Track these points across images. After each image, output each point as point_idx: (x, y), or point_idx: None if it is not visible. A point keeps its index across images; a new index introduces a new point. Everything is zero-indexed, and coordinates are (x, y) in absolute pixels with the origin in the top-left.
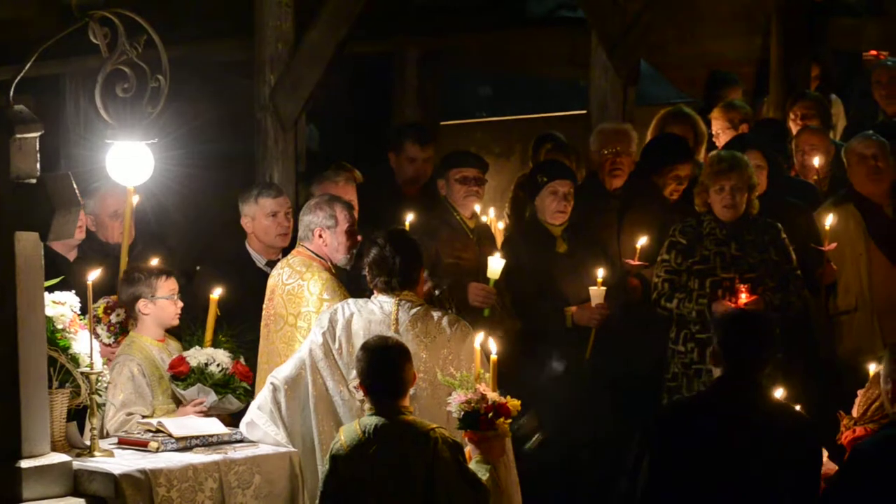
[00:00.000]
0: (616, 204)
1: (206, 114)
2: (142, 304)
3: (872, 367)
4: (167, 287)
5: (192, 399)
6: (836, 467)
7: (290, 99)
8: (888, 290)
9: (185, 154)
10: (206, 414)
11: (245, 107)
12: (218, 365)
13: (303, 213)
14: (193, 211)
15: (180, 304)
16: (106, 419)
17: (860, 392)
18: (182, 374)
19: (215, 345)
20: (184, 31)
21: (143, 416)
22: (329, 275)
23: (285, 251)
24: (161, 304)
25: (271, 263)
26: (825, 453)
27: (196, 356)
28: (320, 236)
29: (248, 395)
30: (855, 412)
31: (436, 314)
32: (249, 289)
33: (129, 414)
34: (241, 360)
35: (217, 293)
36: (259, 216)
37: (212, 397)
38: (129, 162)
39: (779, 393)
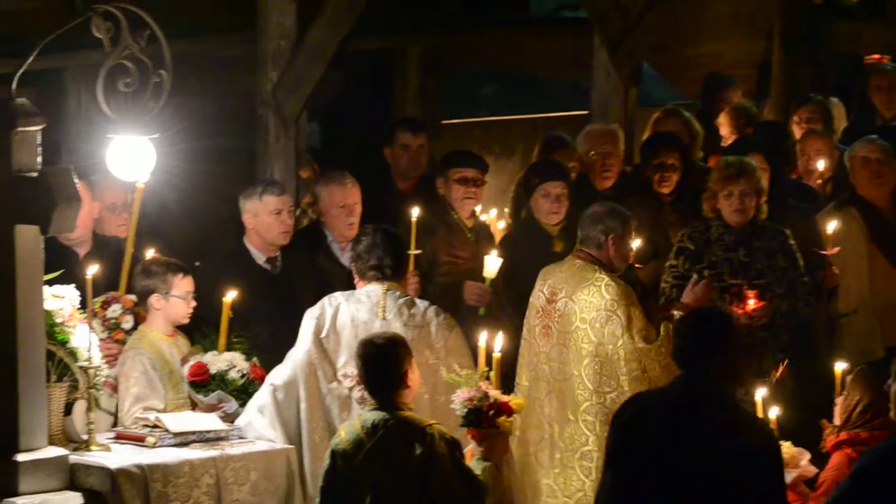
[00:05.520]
0: None
1: (207, 109)
2: (154, 299)
3: (839, 367)
4: (183, 286)
5: (211, 405)
6: (815, 470)
7: (291, 95)
8: (889, 293)
9: (186, 149)
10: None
11: (246, 103)
12: (238, 371)
13: (590, 217)
14: (192, 206)
15: (193, 303)
16: (121, 413)
17: (839, 400)
18: (202, 381)
19: (228, 347)
20: (186, 26)
21: (158, 411)
22: (619, 279)
23: (283, 248)
24: (174, 301)
25: (270, 261)
26: (807, 457)
27: (216, 363)
28: (613, 243)
29: None
30: (837, 419)
31: (421, 304)
32: (249, 286)
33: (147, 409)
34: (256, 361)
35: (231, 296)
36: (262, 213)
37: (233, 405)
38: (130, 156)
39: (760, 393)
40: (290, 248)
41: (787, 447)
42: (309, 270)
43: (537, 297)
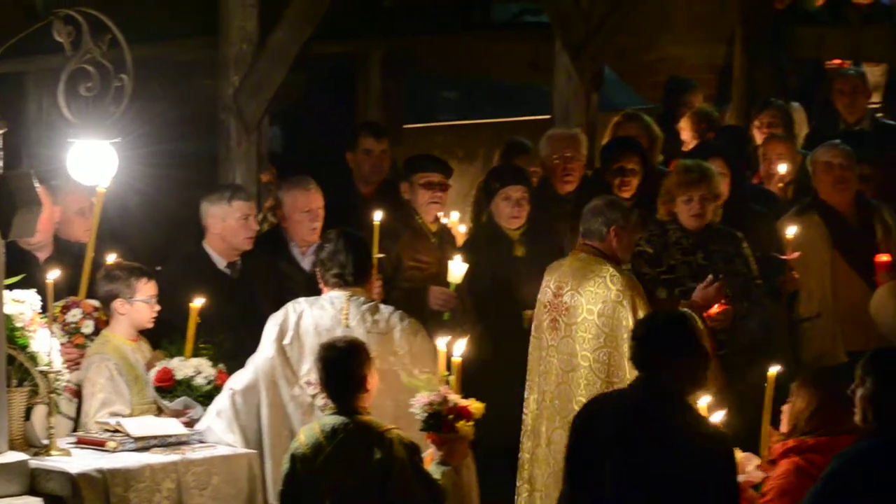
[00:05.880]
0: (568, 209)
1: (168, 113)
2: (118, 304)
3: (772, 370)
4: (146, 290)
5: (177, 410)
6: (762, 475)
7: (253, 99)
8: (851, 298)
9: (147, 154)
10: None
11: (208, 107)
12: (205, 377)
13: (591, 211)
14: (154, 210)
15: (157, 307)
16: (87, 419)
17: (784, 408)
18: (169, 387)
19: (195, 353)
20: (148, 30)
21: (124, 416)
22: (625, 270)
23: (243, 253)
24: (138, 306)
25: (231, 265)
26: (755, 462)
27: (182, 368)
28: (616, 234)
29: None
30: (784, 427)
31: (386, 309)
32: (208, 291)
33: (114, 414)
34: (223, 368)
35: (199, 302)
36: (230, 218)
37: (198, 411)
38: (91, 161)
39: (704, 401)
40: (250, 253)
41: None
42: (269, 275)
43: (544, 293)
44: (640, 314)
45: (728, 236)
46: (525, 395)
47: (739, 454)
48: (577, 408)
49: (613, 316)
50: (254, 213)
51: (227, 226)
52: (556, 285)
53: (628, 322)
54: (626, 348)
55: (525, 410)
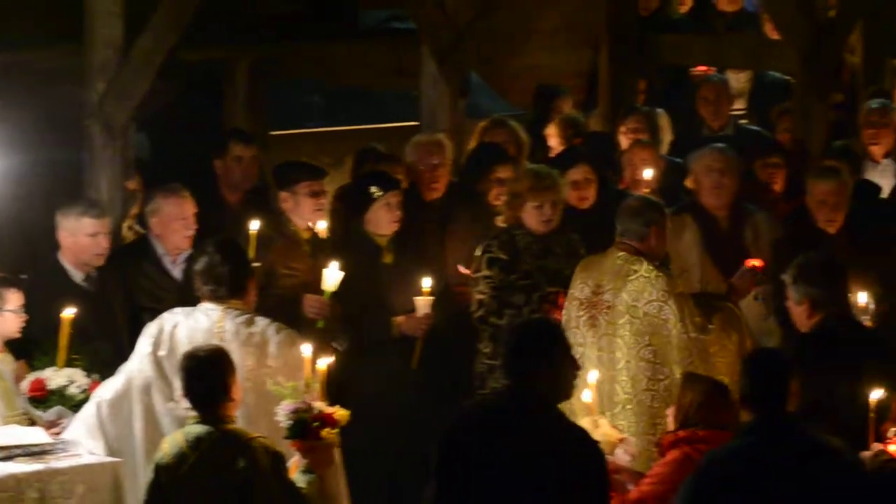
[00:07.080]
0: (436, 215)
1: (33, 120)
2: None
3: (591, 378)
4: (15, 300)
5: (50, 420)
6: (628, 458)
7: (119, 106)
8: None
9: (12, 161)
10: None
11: (73, 114)
12: (78, 386)
13: (630, 211)
14: (19, 218)
15: (24, 316)
16: None
17: (668, 412)
18: (42, 397)
19: (68, 364)
20: (10, 37)
21: None
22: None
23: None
24: (7, 316)
25: (88, 278)
26: (628, 445)
27: (55, 378)
28: (655, 234)
29: None
30: (672, 424)
31: (261, 321)
32: (68, 303)
33: None
34: (97, 377)
35: (70, 312)
36: (79, 234)
37: (72, 420)
38: None
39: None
40: (112, 265)
41: (606, 430)
42: (132, 286)
43: (580, 290)
44: (687, 314)
45: (566, 239)
46: None
47: (612, 436)
48: (619, 405)
49: (658, 315)
50: (105, 231)
51: (76, 241)
52: (595, 283)
53: (674, 320)
54: (671, 347)
55: None
